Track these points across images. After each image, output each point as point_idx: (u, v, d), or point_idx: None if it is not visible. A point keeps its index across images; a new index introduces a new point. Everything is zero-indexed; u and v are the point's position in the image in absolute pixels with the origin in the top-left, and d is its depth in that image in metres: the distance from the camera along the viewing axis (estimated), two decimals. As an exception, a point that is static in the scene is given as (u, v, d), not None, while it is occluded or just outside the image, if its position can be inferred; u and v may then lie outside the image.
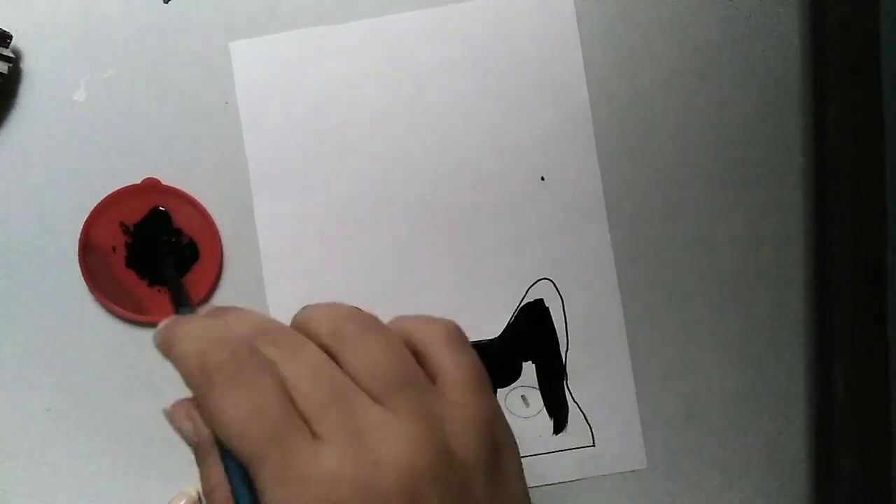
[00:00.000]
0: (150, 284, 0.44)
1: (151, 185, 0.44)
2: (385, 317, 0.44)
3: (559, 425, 0.44)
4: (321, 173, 0.44)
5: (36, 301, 0.44)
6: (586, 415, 0.44)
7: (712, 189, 0.44)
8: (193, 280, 0.44)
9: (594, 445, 0.44)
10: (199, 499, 0.44)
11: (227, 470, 0.26)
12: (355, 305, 0.29)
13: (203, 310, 0.31)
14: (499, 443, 0.28)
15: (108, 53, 0.44)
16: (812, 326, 0.44)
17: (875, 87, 0.42)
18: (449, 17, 0.44)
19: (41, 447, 0.44)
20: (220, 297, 0.44)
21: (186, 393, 0.44)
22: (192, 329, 0.28)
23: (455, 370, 0.28)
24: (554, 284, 0.44)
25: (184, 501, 0.43)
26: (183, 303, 0.37)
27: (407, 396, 0.26)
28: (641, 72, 0.44)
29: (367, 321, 0.28)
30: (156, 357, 0.44)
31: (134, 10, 0.44)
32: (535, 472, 0.44)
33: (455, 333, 0.29)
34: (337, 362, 0.27)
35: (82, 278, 0.44)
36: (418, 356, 0.28)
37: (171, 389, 0.45)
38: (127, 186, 0.44)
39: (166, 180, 0.44)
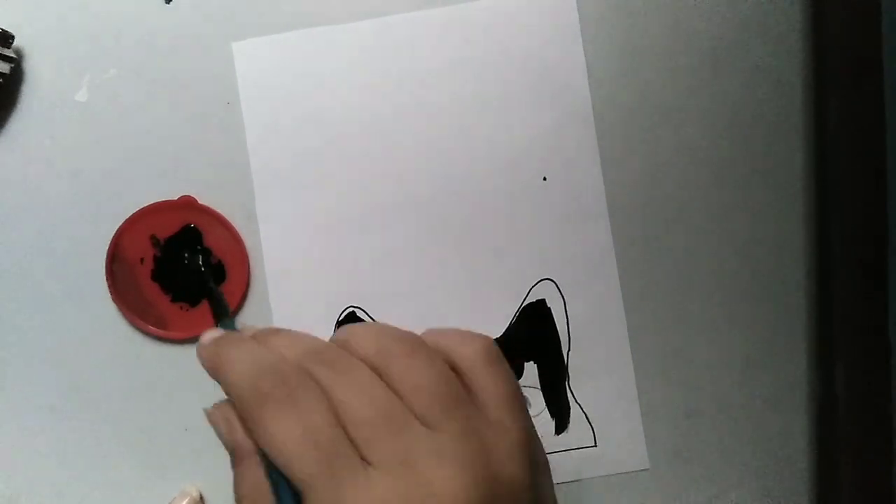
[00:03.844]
0: (174, 300, 0.44)
1: (187, 203, 0.44)
2: (388, 318, 0.44)
3: (561, 426, 0.44)
4: (323, 174, 0.44)
5: (40, 302, 0.44)
6: (588, 415, 0.44)
7: (713, 189, 0.44)
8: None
9: (596, 446, 0.44)
10: (201, 498, 0.44)
11: (273, 483, 0.26)
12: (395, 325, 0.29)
13: (246, 328, 0.31)
14: (538, 462, 0.28)
15: (110, 54, 0.44)
16: (813, 327, 0.44)
17: (876, 87, 0.42)
18: (451, 17, 0.44)
19: (44, 446, 0.44)
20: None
21: (191, 395, 0.44)
22: (242, 354, 0.28)
23: (496, 390, 0.28)
24: (556, 285, 0.44)
25: (186, 501, 0.43)
26: (222, 314, 0.37)
27: (456, 419, 0.26)
28: (643, 72, 0.44)
29: (413, 341, 0.28)
30: (162, 363, 0.44)
31: (136, 11, 0.44)
32: (537, 472, 0.44)
33: (493, 351, 0.29)
34: (385, 382, 0.27)
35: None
36: (457, 374, 0.28)
37: (176, 392, 0.45)
38: (162, 201, 0.44)
39: (168, 180, 0.44)
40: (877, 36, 0.42)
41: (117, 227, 0.44)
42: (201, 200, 0.44)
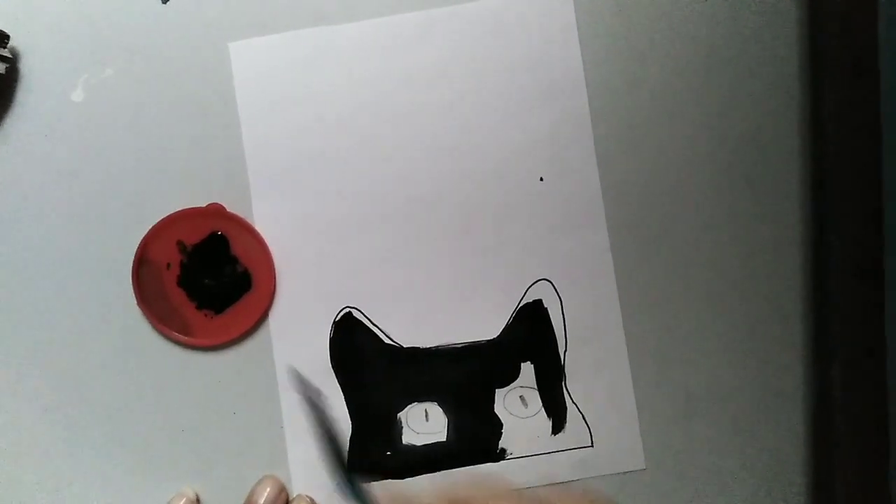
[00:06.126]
0: (199, 307, 0.44)
1: (215, 211, 0.44)
2: (385, 318, 0.44)
3: (557, 426, 0.44)
4: (320, 174, 0.44)
5: (36, 303, 0.44)
6: (584, 415, 0.44)
7: (711, 189, 0.44)
8: (241, 310, 0.44)
9: (592, 446, 0.44)
10: (198, 500, 0.44)
11: None
12: None
13: None
14: None
15: (106, 54, 0.44)
16: (810, 327, 0.44)
17: (873, 87, 0.42)
18: (448, 18, 0.44)
19: (40, 447, 0.44)
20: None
21: (188, 397, 0.44)
22: None
23: None
24: (553, 285, 0.44)
25: (182, 502, 0.43)
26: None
27: None
28: (640, 73, 0.44)
29: None
30: (159, 365, 0.44)
31: (132, 10, 0.44)
32: (534, 472, 0.44)
33: None
34: None
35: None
36: None
37: (173, 394, 0.45)
38: (191, 208, 0.44)
39: (165, 181, 0.44)
40: (874, 36, 0.42)
41: (113, 226, 0.44)
42: (199, 201, 0.44)
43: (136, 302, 0.44)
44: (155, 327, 0.44)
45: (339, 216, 0.44)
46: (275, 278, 0.44)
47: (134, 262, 0.44)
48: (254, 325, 0.44)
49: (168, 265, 0.44)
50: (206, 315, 0.44)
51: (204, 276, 0.44)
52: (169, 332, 0.44)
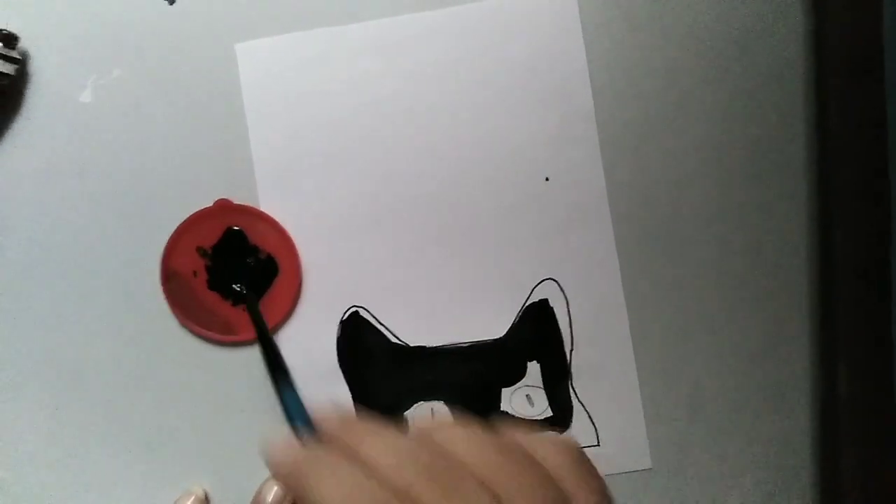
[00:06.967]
0: (235, 304, 0.44)
1: (223, 206, 0.44)
2: (392, 317, 0.44)
3: (564, 425, 0.44)
4: (327, 174, 0.45)
5: (43, 302, 0.45)
6: (591, 414, 0.44)
7: (715, 189, 0.45)
8: (276, 295, 0.44)
9: (599, 445, 0.44)
10: (206, 498, 0.44)
11: None
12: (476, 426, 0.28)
13: (323, 422, 0.28)
14: None
15: (114, 55, 0.44)
16: (816, 326, 0.44)
17: (877, 88, 0.42)
18: (454, 18, 0.44)
19: (49, 445, 0.44)
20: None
21: (196, 394, 0.44)
22: (337, 485, 0.25)
23: (591, 497, 0.28)
24: (558, 284, 0.44)
25: (191, 500, 0.43)
26: (298, 417, 0.38)
27: None
28: (645, 72, 0.44)
29: (521, 457, 0.27)
30: (167, 362, 0.44)
31: (140, 12, 0.44)
32: (540, 471, 0.44)
33: (585, 458, 0.29)
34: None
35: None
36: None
37: (181, 391, 0.45)
38: (199, 210, 0.44)
39: (172, 183, 0.44)
40: (877, 37, 0.42)
41: (120, 225, 0.44)
42: (207, 202, 0.44)
43: (176, 321, 0.44)
44: (200, 335, 0.44)
45: (346, 216, 0.45)
46: (298, 257, 0.44)
47: (161, 278, 0.44)
48: (292, 307, 0.44)
49: (195, 273, 0.44)
50: (244, 310, 0.44)
51: (231, 273, 0.44)
52: (213, 336, 0.44)
